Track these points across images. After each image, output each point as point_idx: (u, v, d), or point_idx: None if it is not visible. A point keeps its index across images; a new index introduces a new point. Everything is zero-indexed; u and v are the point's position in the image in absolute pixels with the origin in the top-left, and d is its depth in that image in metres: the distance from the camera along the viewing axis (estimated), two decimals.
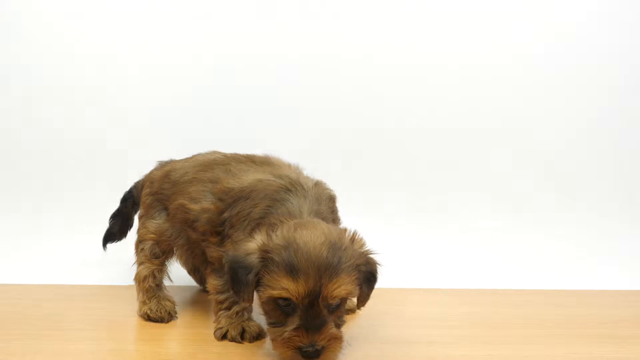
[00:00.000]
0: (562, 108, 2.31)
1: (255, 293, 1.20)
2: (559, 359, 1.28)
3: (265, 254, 1.15)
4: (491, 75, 2.28)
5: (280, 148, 2.19)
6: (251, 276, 1.15)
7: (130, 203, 1.65)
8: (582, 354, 1.30)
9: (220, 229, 1.32)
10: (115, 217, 1.69)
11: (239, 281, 1.17)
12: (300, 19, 2.22)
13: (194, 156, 1.53)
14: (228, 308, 1.33)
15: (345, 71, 2.24)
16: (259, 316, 1.40)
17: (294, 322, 1.14)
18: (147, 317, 1.44)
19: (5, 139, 2.20)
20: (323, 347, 1.13)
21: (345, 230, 1.24)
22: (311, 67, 2.23)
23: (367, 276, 1.22)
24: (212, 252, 1.33)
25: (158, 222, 1.47)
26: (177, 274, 1.66)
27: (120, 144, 2.21)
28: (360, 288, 1.20)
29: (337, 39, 2.23)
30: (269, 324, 1.19)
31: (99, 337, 1.34)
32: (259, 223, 1.24)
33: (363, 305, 1.26)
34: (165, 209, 1.47)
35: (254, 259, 1.16)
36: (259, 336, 1.33)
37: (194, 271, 1.69)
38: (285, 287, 1.12)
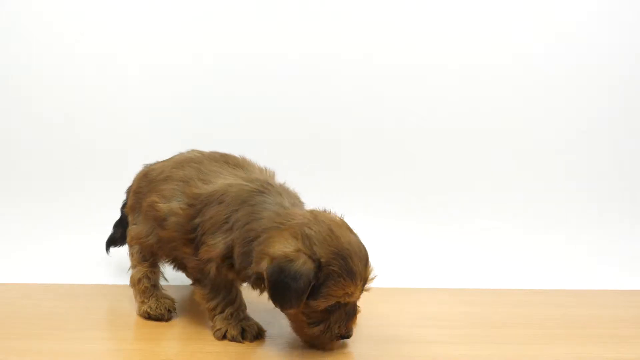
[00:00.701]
0: (562, 108, 2.31)
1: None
2: (559, 359, 1.28)
3: (321, 266, 1.17)
4: (491, 75, 2.28)
5: (281, 148, 2.21)
6: (305, 285, 1.15)
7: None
8: (582, 354, 1.30)
9: (192, 235, 1.31)
10: (117, 225, 1.73)
11: (289, 289, 1.15)
12: (300, 18, 2.22)
13: (174, 156, 1.53)
14: (222, 311, 1.34)
15: (345, 71, 2.24)
16: (255, 313, 1.40)
17: (341, 317, 1.23)
18: (148, 316, 1.44)
19: (5, 139, 2.20)
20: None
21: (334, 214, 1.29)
22: (311, 67, 2.23)
23: None
24: (189, 262, 1.34)
25: (137, 226, 1.48)
26: (174, 274, 1.66)
27: (120, 144, 2.21)
28: None
29: (336, 38, 2.23)
30: (308, 324, 1.23)
31: (99, 337, 1.34)
32: (249, 229, 1.24)
33: None
34: (141, 208, 1.47)
35: (306, 268, 1.15)
36: (258, 335, 1.33)
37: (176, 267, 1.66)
38: (349, 292, 1.20)
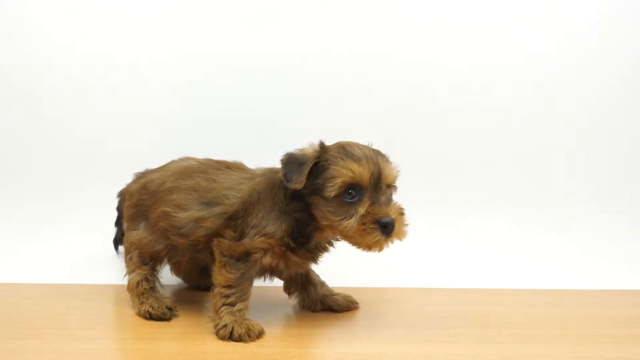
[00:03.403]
0: (562, 108, 2.31)
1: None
2: (559, 359, 1.28)
3: (325, 152, 1.32)
4: (488, 76, 2.28)
5: (281, 148, 2.21)
6: (308, 164, 1.30)
7: (120, 216, 1.72)
8: (582, 354, 1.30)
9: (236, 229, 1.37)
10: (116, 224, 1.81)
11: (292, 170, 1.30)
12: (300, 19, 2.22)
13: (168, 165, 1.57)
14: (232, 304, 1.35)
15: (346, 70, 2.24)
16: (255, 314, 1.40)
17: (365, 204, 1.28)
18: (149, 315, 1.44)
19: (5, 139, 2.20)
20: (394, 220, 1.28)
21: None
22: (311, 67, 2.23)
23: None
24: (228, 245, 1.35)
25: (138, 232, 1.52)
26: (171, 276, 1.67)
27: (120, 144, 2.21)
28: None
29: (336, 39, 2.23)
30: (339, 221, 1.29)
31: (98, 337, 1.34)
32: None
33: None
34: (146, 218, 1.51)
35: (311, 151, 1.33)
36: (260, 334, 1.34)
37: (175, 270, 1.68)
38: (354, 170, 1.28)
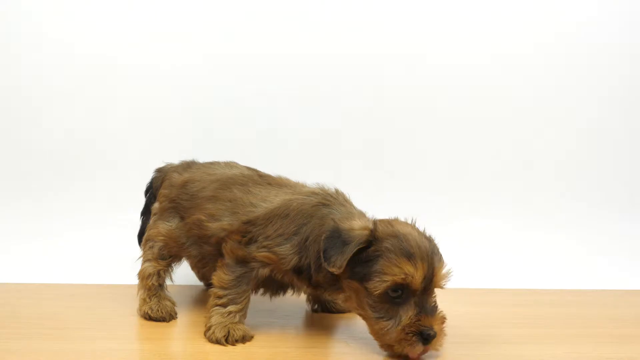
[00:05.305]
0: (562, 108, 2.31)
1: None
2: (558, 359, 1.28)
3: (376, 240, 1.20)
4: (487, 76, 2.28)
5: (281, 149, 2.21)
6: (352, 247, 1.18)
7: (150, 195, 1.64)
8: (582, 354, 1.30)
9: (246, 234, 1.33)
10: (143, 213, 1.69)
11: (334, 249, 1.19)
12: (301, 18, 2.22)
13: (212, 167, 1.53)
14: (224, 305, 1.33)
15: (347, 70, 2.24)
16: (256, 314, 1.40)
17: (410, 310, 1.18)
18: (148, 317, 1.44)
19: (5, 139, 2.20)
20: (436, 333, 1.19)
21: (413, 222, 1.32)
22: (312, 68, 2.23)
23: None
24: (232, 246, 1.33)
25: (170, 226, 1.48)
26: (179, 273, 1.66)
27: (121, 144, 2.21)
28: None
29: (337, 38, 2.23)
30: (377, 318, 1.21)
31: (99, 337, 1.34)
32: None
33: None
34: (181, 218, 1.47)
35: (359, 235, 1.20)
36: (242, 339, 1.32)
37: (202, 278, 1.70)
38: (406, 271, 1.17)
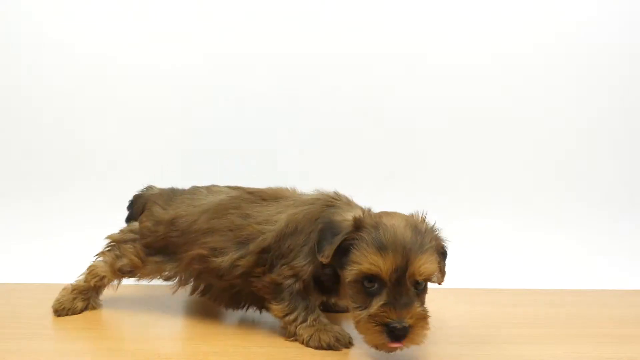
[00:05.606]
0: (562, 107, 2.31)
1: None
2: (559, 359, 1.28)
3: (357, 229, 1.21)
4: (489, 76, 2.28)
5: (281, 149, 2.21)
6: (338, 237, 1.21)
7: (130, 217, 1.63)
8: (582, 354, 1.30)
9: (265, 263, 1.32)
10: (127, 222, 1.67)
11: (325, 239, 1.22)
12: (301, 18, 2.22)
13: (195, 197, 1.48)
14: (304, 320, 1.32)
15: (347, 70, 2.24)
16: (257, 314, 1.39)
17: (380, 300, 1.17)
18: (65, 313, 1.46)
19: (5, 139, 2.20)
20: (410, 327, 1.16)
21: (415, 215, 1.30)
22: (312, 68, 2.23)
23: (442, 254, 1.31)
24: (259, 282, 1.32)
25: (158, 263, 1.46)
26: None
27: (121, 144, 2.21)
28: (440, 268, 1.28)
29: (337, 38, 2.23)
30: (353, 308, 1.22)
31: (98, 337, 1.34)
32: None
33: (442, 282, 1.31)
34: (174, 253, 1.44)
35: (346, 225, 1.22)
36: (350, 342, 1.31)
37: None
38: (373, 262, 1.17)
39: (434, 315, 1.50)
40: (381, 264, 1.17)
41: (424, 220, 1.30)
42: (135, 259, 1.48)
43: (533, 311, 1.56)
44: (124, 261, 1.49)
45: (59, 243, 1.99)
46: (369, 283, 1.19)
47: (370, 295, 1.19)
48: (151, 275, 1.48)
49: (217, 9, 2.21)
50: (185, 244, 1.41)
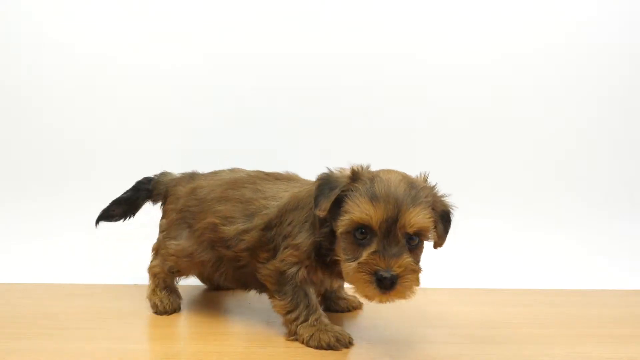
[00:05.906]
0: (562, 108, 2.31)
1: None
2: (559, 359, 1.28)
3: (354, 181, 1.23)
4: (490, 76, 2.28)
5: (281, 149, 2.21)
6: (335, 191, 1.22)
7: (144, 194, 1.62)
8: (582, 354, 1.30)
9: (270, 245, 1.33)
10: (117, 203, 1.66)
11: (323, 194, 1.23)
12: (301, 18, 2.22)
13: (217, 173, 1.54)
14: (305, 320, 1.32)
15: (347, 70, 2.25)
16: (256, 315, 1.40)
17: (370, 249, 1.17)
18: (156, 308, 1.49)
19: (5, 139, 2.20)
20: (398, 277, 1.15)
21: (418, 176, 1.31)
22: (312, 67, 2.23)
23: (442, 215, 1.30)
24: (264, 269, 1.33)
25: (179, 243, 1.48)
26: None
27: (121, 144, 2.21)
28: (436, 227, 1.27)
29: (338, 38, 2.23)
30: (345, 260, 1.21)
31: (99, 337, 1.34)
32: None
33: (440, 245, 1.32)
34: (189, 226, 1.47)
35: (342, 179, 1.24)
36: (350, 342, 1.31)
37: (206, 280, 1.70)
38: (364, 211, 1.18)
39: (434, 316, 1.51)
40: (372, 213, 1.17)
41: (426, 179, 1.31)
42: (167, 255, 1.51)
43: (533, 311, 1.56)
44: (166, 265, 1.52)
45: (59, 243, 1.99)
46: (361, 234, 1.19)
47: (361, 246, 1.19)
48: (182, 262, 1.49)
49: (217, 9, 2.21)
50: (200, 212, 1.45)
